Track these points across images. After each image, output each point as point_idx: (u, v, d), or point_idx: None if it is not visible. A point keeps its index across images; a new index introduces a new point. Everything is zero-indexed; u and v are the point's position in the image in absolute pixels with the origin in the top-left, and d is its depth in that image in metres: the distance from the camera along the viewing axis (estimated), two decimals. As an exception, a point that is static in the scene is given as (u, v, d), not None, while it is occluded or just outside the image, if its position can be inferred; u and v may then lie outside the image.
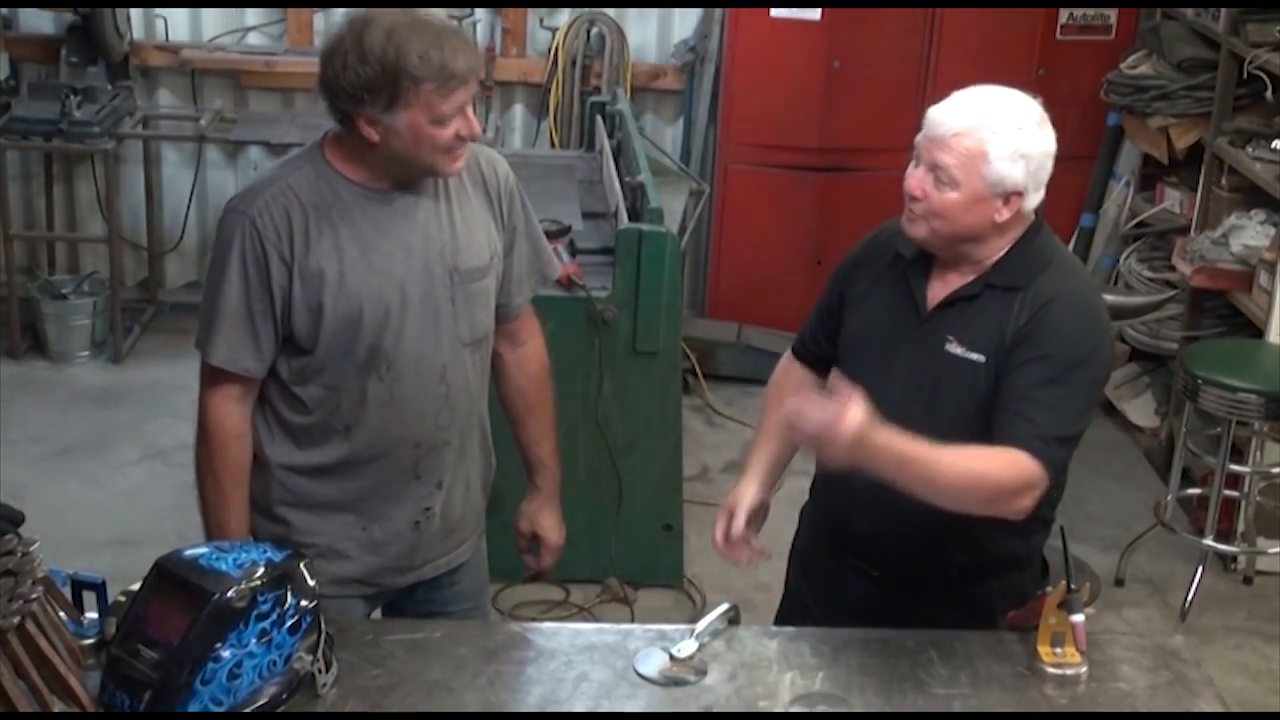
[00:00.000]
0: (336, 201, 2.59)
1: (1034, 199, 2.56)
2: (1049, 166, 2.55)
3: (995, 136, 2.49)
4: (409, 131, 2.50)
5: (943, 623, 2.67)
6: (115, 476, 5.15)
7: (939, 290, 2.64)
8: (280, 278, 2.56)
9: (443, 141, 2.52)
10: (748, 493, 2.75)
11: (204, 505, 2.69)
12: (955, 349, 2.59)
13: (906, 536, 2.66)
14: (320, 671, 2.34)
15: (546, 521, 2.98)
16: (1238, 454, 4.75)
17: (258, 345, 2.60)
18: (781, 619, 2.93)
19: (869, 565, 2.75)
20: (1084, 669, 2.53)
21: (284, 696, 2.28)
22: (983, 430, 2.57)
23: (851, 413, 2.35)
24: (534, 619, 4.29)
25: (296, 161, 2.64)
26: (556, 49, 6.26)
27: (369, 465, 2.69)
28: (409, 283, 2.62)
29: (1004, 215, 2.55)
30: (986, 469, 2.48)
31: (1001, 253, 2.61)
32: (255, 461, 2.70)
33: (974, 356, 2.58)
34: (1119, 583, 4.83)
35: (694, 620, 2.67)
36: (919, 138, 2.57)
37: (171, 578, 2.25)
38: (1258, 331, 4.90)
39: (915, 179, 2.56)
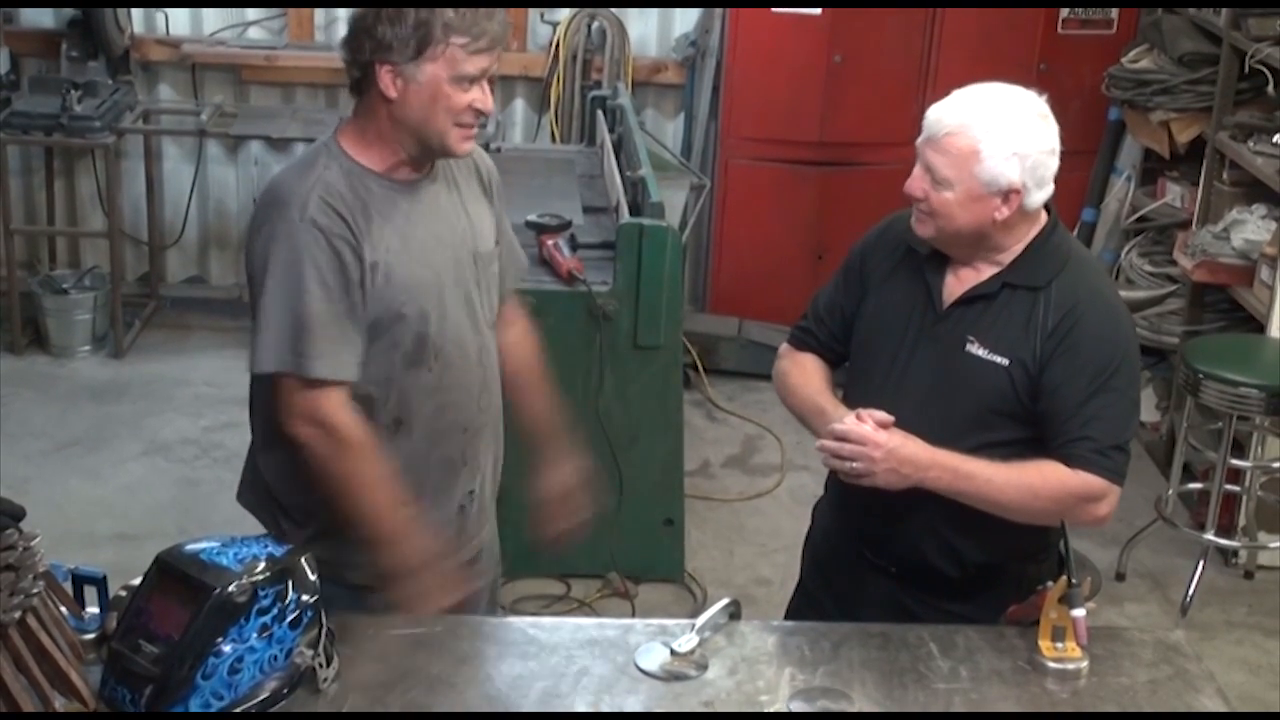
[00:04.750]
0: (371, 196, 2.59)
1: (1037, 196, 2.56)
2: (1050, 164, 2.55)
3: (988, 135, 2.49)
4: (429, 86, 2.51)
5: (961, 617, 2.68)
6: (116, 471, 5.15)
7: (955, 287, 2.64)
8: (354, 271, 2.54)
9: (457, 106, 2.52)
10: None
11: (377, 517, 2.57)
12: (977, 350, 2.60)
13: (916, 533, 2.68)
14: (321, 666, 2.34)
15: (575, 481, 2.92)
16: (1239, 449, 4.75)
17: (356, 350, 2.56)
18: (793, 614, 2.94)
19: (885, 561, 2.76)
20: (1085, 664, 2.53)
21: (285, 691, 2.28)
22: (1002, 431, 2.60)
23: (886, 444, 2.52)
24: (535, 614, 4.30)
25: (321, 161, 2.61)
26: (557, 43, 6.25)
27: (426, 457, 2.69)
28: (444, 270, 2.64)
29: (1004, 213, 2.55)
30: (1044, 486, 2.56)
31: (1017, 251, 2.61)
32: (303, 469, 2.63)
33: (997, 359, 2.59)
34: (1120, 577, 4.83)
35: (695, 615, 2.66)
36: (920, 138, 2.58)
37: (172, 572, 2.25)
38: (1259, 326, 4.90)
39: (914, 180, 2.57)
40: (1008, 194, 2.53)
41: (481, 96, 2.55)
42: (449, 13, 2.47)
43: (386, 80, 2.52)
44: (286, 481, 2.72)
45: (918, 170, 2.57)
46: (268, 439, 2.71)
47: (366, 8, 2.54)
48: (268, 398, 2.63)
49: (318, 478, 2.58)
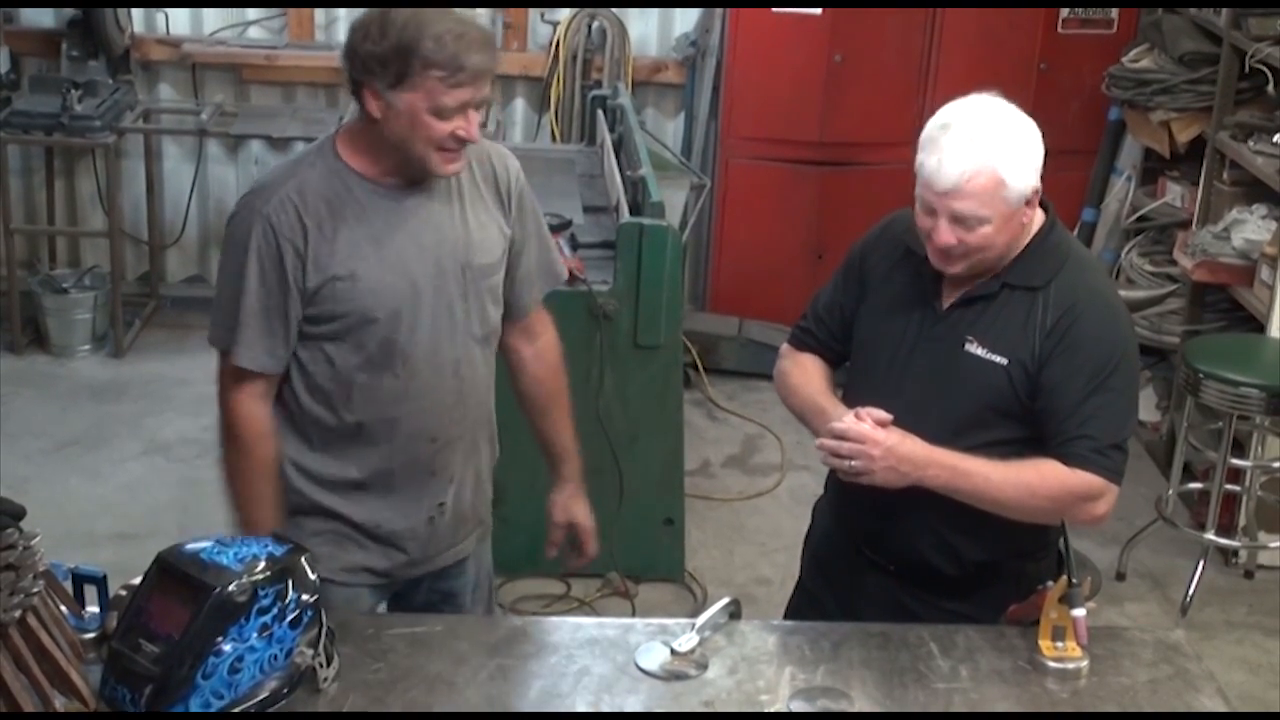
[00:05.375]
0: (350, 199, 2.59)
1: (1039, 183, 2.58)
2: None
3: (1005, 161, 2.48)
4: (407, 114, 2.50)
5: (961, 616, 2.68)
6: (116, 470, 5.15)
7: (954, 287, 2.64)
8: (295, 274, 2.57)
9: (437, 135, 2.51)
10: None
11: (237, 505, 2.68)
12: (976, 350, 2.60)
13: (915, 532, 2.68)
14: (321, 666, 2.34)
15: (581, 508, 2.99)
16: (1239, 448, 4.75)
17: (278, 345, 2.61)
18: (793, 613, 2.94)
19: (884, 559, 2.76)
20: (1085, 663, 2.54)
21: (285, 691, 2.28)
22: (1001, 430, 2.60)
23: (885, 442, 2.51)
24: (535, 613, 4.30)
25: (309, 159, 2.64)
26: (557, 43, 6.25)
27: (389, 463, 2.70)
28: (422, 279, 2.63)
29: (1029, 215, 2.58)
30: (1042, 484, 2.56)
31: (1018, 251, 2.61)
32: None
33: (996, 359, 2.59)
34: (1120, 577, 4.83)
35: (695, 614, 2.67)
36: (923, 191, 2.53)
37: (173, 572, 2.25)
38: (1259, 326, 4.90)
39: (943, 234, 2.52)
40: (1031, 199, 2.55)
41: (464, 125, 2.52)
42: (428, 44, 2.44)
43: (370, 101, 2.53)
44: None
45: (943, 224, 2.51)
46: None
47: (362, 19, 2.52)
48: None
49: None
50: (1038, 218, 2.63)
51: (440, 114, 2.49)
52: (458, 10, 2.51)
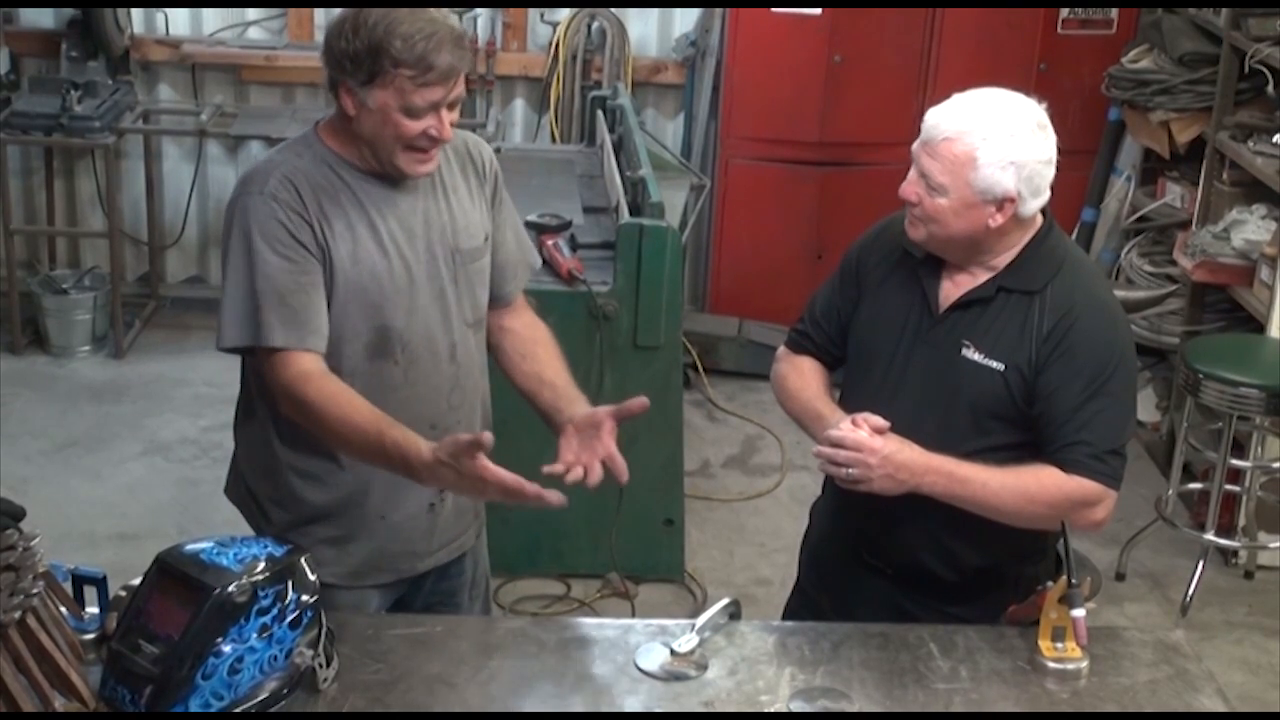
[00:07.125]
0: (342, 185, 2.60)
1: (1032, 204, 2.55)
2: (1047, 173, 2.54)
3: (985, 143, 2.48)
4: (379, 112, 2.51)
5: (960, 619, 2.68)
6: (116, 471, 5.15)
7: (951, 291, 2.64)
8: (312, 245, 2.55)
9: (408, 134, 2.51)
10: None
11: (386, 454, 2.47)
12: (973, 355, 2.60)
13: (915, 535, 2.68)
14: (321, 666, 2.34)
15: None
16: (1239, 449, 4.75)
17: (315, 319, 2.54)
18: (790, 615, 2.93)
19: (883, 563, 2.76)
20: (1085, 664, 2.54)
21: (285, 691, 2.28)
22: (998, 436, 2.60)
23: (882, 450, 2.49)
24: (535, 613, 4.30)
25: (295, 149, 2.64)
26: (557, 43, 6.25)
27: None
28: (415, 264, 2.64)
29: (998, 221, 2.54)
30: (1040, 491, 2.56)
31: (1012, 255, 2.61)
32: (266, 453, 2.69)
33: (993, 364, 2.58)
34: (1120, 577, 4.83)
35: (695, 615, 2.67)
36: (916, 143, 2.57)
37: (172, 572, 2.25)
38: (1259, 326, 4.90)
39: (908, 184, 2.56)
40: (1002, 203, 2.52)
41: (435, 124, 2.52)
42: (397, 43, 2.44)
43: (345, 99, 2.54)
44: (256, 470, 2.75)
45: (912, 174, 2.56)
46: (237, 424, 2.78)
47: (338, 17, 2.52)
48: (243, 378, 2.70)
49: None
50: (1035, 223, 2.62)
51: (411, 113, 2.50)
52: (432, 10, 2.50)
